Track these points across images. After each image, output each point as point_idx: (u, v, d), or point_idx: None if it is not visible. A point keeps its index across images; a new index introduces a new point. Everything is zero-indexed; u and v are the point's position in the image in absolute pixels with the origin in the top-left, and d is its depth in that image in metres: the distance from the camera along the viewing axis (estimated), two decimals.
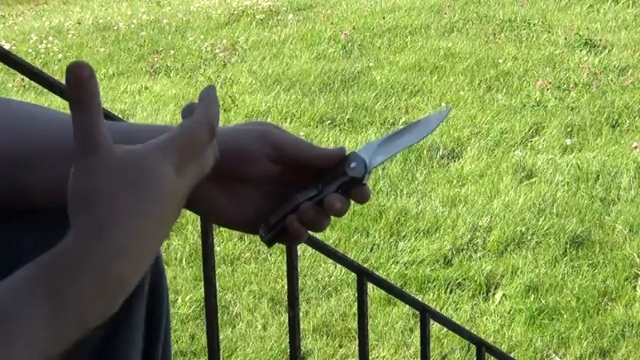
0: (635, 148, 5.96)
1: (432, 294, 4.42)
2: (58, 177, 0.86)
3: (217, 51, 8.56)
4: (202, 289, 1.48)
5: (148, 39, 9.17)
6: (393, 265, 4.66)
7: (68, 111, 0.70)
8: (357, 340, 1.78)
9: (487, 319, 4.23)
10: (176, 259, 4.71)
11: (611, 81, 7.32)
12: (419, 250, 4.79)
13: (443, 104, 6.92)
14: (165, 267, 1.64)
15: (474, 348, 2.75)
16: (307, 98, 7.11)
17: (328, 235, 4.84)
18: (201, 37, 9.14)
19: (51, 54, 8.88)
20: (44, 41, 9.22)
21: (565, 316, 4.22)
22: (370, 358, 3.40)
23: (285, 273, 1.56)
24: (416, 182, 5.62)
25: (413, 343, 4.02)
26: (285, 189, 0.87)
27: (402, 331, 4.11)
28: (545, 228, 4.95)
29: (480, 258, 4.71)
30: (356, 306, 1.93)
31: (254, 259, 4.74)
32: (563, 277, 4.53)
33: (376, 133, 6.38)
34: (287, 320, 2.05)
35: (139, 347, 0.90)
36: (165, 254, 4.65)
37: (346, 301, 4.35)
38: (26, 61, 1.37)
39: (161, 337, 0.94)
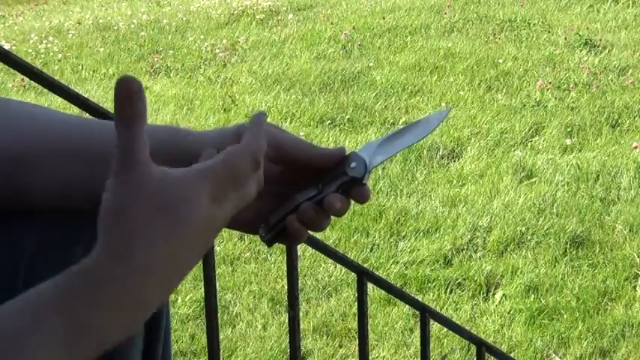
0: (635, 148, 5.96)
1: (432, 294, 4.42)
2: (58, 177, 0.86)
3: (217, 51, 8.55)
4: (202, 289, 1.48)
5: (147, 39, 9.18)
6: (393, 265, 4.66)
7: (68, 111, 0.70)
8: (357, 340, 1.78)
9: (487, 319, 4.23)
10: None
11: (611, 81, 7.32)
12: (419, 250, 4.79)
13: (443, 104, 6.92)
14: None
15: (473, 348, 2.75)
16: (307, 98, 7.11)
17: (328, 235, 4.84)
18: (201, 37, 9.14)
19: (51, 54, 8.88)
20: (44, 41, 9.22)
21: (565, 316, 4.22)
22: (370, 358, 3.40)
23: (285, 273, 1.56)
24: (416, 182, 5.62)
25: (413, 343, 4.02)
26: (285, 189, 0.87)
27: (402, 331, 4.11)
28: (545, 228, 4.95)
29: (479, 258, 4.71)
30: (356, 306, 1.93)
31: (254, 259, 4.73)
32: (563, 277, 4.53)
33: (376, 133, 6.38)
34: (287, 320, 2.05)
35: (139, 347, 0.90)
36: None
37: (346, 301, 4.35)
38: (26, 61, 1.37)
39: (161, 337, 0.93)
